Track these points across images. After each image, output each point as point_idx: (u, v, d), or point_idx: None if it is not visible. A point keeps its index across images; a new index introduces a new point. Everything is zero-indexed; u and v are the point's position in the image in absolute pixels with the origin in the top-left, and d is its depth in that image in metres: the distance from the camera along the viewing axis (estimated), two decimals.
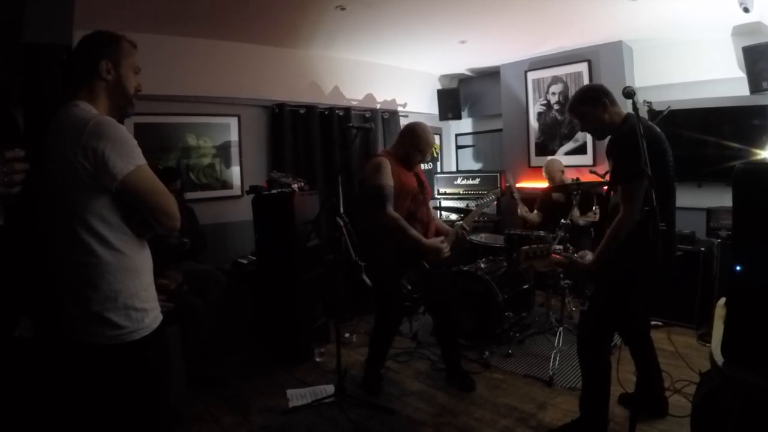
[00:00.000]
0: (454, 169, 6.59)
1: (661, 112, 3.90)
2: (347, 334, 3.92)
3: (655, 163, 1.91)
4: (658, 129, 2.17)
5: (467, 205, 5.34)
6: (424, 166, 5.79)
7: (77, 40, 1.44)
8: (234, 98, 4.19)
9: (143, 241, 1.40)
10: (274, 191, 3.59)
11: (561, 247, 2.43)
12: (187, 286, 3.16)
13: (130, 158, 1.28)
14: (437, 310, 3.01)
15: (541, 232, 3.84)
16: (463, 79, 6.29)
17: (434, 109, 5.99)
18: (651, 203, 1.66)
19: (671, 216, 2.17)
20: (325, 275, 3.85)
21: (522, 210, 4.41)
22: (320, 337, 3.79)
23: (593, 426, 2.27)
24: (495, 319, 3.42)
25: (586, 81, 4.80)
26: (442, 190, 5.71)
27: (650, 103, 4.23)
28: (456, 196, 5.61)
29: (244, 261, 3.95)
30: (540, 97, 5.22)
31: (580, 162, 4.84)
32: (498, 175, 5.38)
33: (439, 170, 6.16)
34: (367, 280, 2.79)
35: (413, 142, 2.81)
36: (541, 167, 4.56)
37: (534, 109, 5.29)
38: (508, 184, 5.14)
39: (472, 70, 5.94)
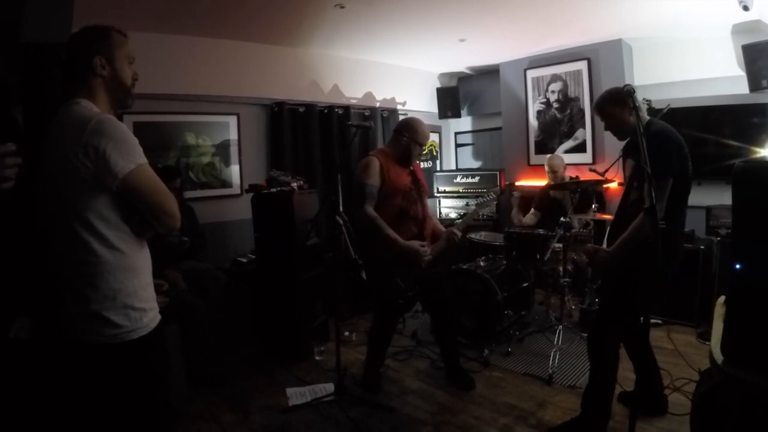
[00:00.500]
0: (453, 167, 6.59)
1: (660, 110, 3.90)
2: (347, 333, 3.92)
3: (682, 167, 2.10)
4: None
5: (467, 204, 5.36)
6: (423, 165, 5.82)
7: None
8: (233, 97, 4.19)
9: (143, 240, 1.40)
10: (274, 190, 3.58)
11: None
12: (187, 285, 3.16)
13: (131, 157, 1.28)
14: (435, 308, 3.01)
15: (540, 231, 3.84)
16: (462, 78, 6.28)
17: (433, 108, 5.98)
18: (650, 201, 1.68)
19: (684, 216, 2.27)
20: (324, 274, 3.85)
21: (516, 218, 4.42)
22: (320, 336, 3.79)
23: (594, 422, 2.29)
24: (494, 317, 3.42)
25: (585, 79, 4.80)
26: (441, 189, 5.70)
27: (650, 101, 4.23)
28: (455, 195, 5.60)
29: (244, 260, 3.95)
30: (539, 96, 5.22)
31: (579, 160, 4.84)
32: (497, 173, 5.38)
33: (438, 169, 6.16)
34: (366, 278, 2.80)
35: (411, 136, 2.81)
36: (541, 165, 4.56)
37: (533, 107, 5.28)
38: (507, 183, 5.13)
39: (472, 69, 5.94)
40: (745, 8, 3.30)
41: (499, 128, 5.76)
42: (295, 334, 3.53)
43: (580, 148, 4.95)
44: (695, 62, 4.34)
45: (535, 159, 5.29)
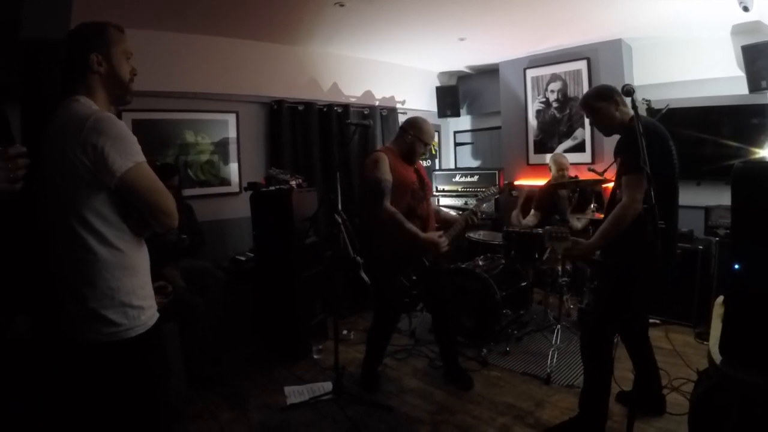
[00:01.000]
0: (452, 166, 6.59)
1: (660, 110, 3.91)
2: (345, 331, 3.92)
3: (662, 162, 2.00)
4: (663, 128, 2.21)
5: (466, 203, 5.37)
6: (423, 164, 5.81)
7: None
8: (232, 95, 4.18)
9: (141, 238, 1.40)
10: (273, 188, 3.58)
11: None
12: (186, 284, 3.15)
13: (129, 155, 1.27)
14: (436, 307, 3.01)
15: (539, 230, 3.84)
16: (462, 77, 6.28)
17: (433, 107, 5.98)
18: (650, 201, 1.67)
19: (675, 214, 2.24)
20: (323, 272, 3.84)
21: (516, 219, 4.40)
22: (318, 334, 3.79)
23: (592, 421, 2.29)
24: (493, 316, 3.42)
25: (585, 79, 4.80)
26: (440, 188, 5.71)
27: (649, 101, 4.23)
28: (454, 194, 5.61)
29: (243, 258, 3.94)
30: (539, 95, 5.21)
31: (578, 160, 4.83)
32: (496, 172, 5.38)
33: (437, 167, 6.16)
34: (365, 277, 2.79)
35: (416, 135, 2.81)
36: (540, 165, 4.54)
37: (533, 106, 5.28)
38: (506, 182, 5.13)
39: (471, 68, 5.93)
40: (745, 9, 3.30)
41: (499, 127, 5.76)
42: (293, 332, 3.53)
43: (579, 147, 4.95)
44: (695, 62, 4.34)
45: (534, 158, 5.28)
